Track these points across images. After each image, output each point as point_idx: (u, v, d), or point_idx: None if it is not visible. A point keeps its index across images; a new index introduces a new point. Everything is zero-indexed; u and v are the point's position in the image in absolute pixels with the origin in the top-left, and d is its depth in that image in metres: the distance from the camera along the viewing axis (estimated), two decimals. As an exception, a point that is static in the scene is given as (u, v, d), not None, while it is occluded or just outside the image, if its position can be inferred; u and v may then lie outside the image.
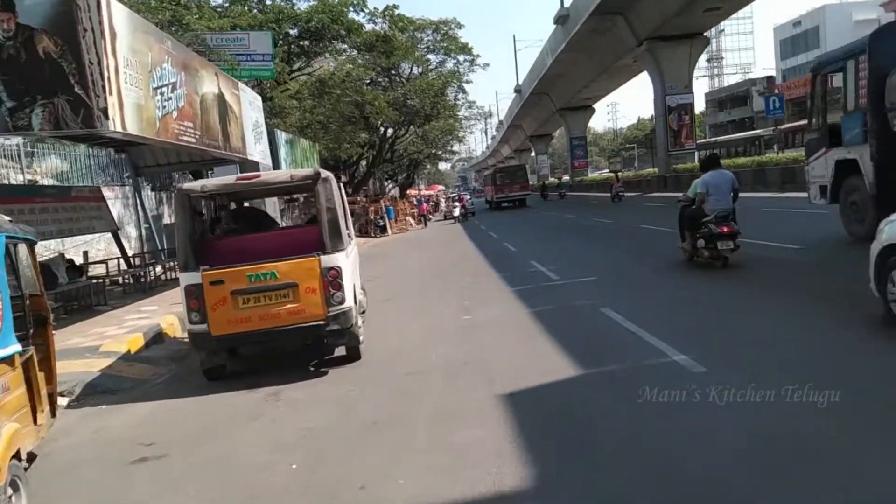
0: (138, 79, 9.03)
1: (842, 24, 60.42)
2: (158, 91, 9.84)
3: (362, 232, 33.24)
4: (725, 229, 9.26)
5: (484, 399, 5.04)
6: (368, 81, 31.49)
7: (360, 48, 22.74)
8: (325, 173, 6.71)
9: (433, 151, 61.10)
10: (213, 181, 6.46)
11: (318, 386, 6.13)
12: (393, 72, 35.76)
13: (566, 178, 69.89)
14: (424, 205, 39.89)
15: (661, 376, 5.00)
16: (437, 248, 21.89)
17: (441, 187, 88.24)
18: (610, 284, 9.96)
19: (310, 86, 26.98)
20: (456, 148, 73.32)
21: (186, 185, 6.46)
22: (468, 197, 48.11)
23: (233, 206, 9.15)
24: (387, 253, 22.64)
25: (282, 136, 21.58)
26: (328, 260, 6.33)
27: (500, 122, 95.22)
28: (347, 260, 6.75)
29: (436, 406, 5.08)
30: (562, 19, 44.27)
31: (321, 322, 6.29)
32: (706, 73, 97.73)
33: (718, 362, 5.24)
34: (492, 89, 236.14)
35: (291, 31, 23.36)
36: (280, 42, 22.79)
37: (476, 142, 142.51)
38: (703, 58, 58.59)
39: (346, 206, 8.89)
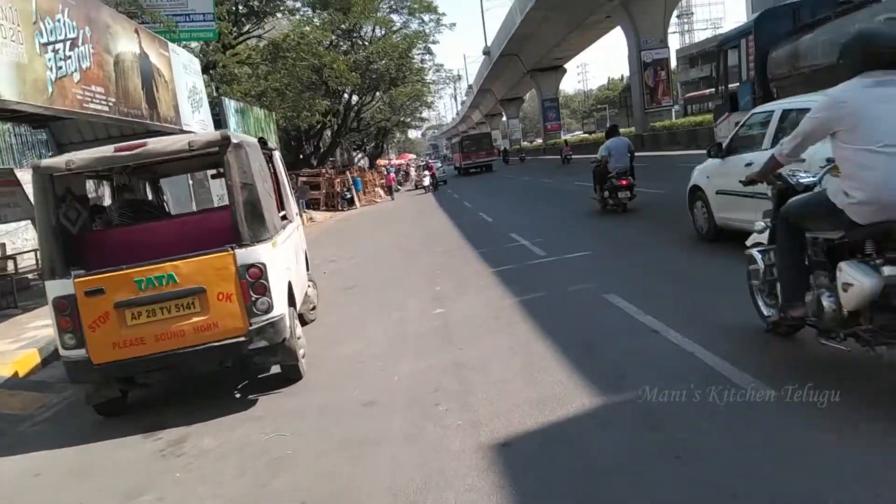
0: (15, 31, 7.20)
1: (814, -27, 59.05)
2: (49, 48, 7.99)
3: (329, 205, 31.45)
4: (623, 182, 12.22)
5: (465, 457, 3.48)
6: (328, 44, 29.37)
7: (314, 5, 20.67)
8: (238, 138, 5.03)
9: (401, 119, 58.98)
10: (82, 154, 4.75)
11: (240, 426, 4.54)
12: (354, 34, 33.61)
13: (539, 140, 68.65)
14: (391, 175, 37.77)
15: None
16: (408, 221, 20.25)
17: (412, 156, 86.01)
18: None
19: (262, 50, 24.88)
20: (425, 115, 71.22)
21: (46, 162, 4.73)
22: (439, 165, 46.16)
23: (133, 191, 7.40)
24: (353, 228, 20.95)
25: (231, 105, 19.62)
26: (247, 255, 4.69)
27: (470, 87, 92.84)
28: (277, 252, 5.13)
29: (396, 472, 3.51)
30: (530, -27, 42.24)
31: (241, 338, 4.69)
32: (676, 30, 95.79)
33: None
34: (460, 53, 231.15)
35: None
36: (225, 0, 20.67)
37: (446, 108, 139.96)
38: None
39: (284, 180, 7.23)
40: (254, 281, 4.67)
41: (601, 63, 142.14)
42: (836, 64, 3.63)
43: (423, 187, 34.01)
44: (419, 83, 43.72)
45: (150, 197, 7.64)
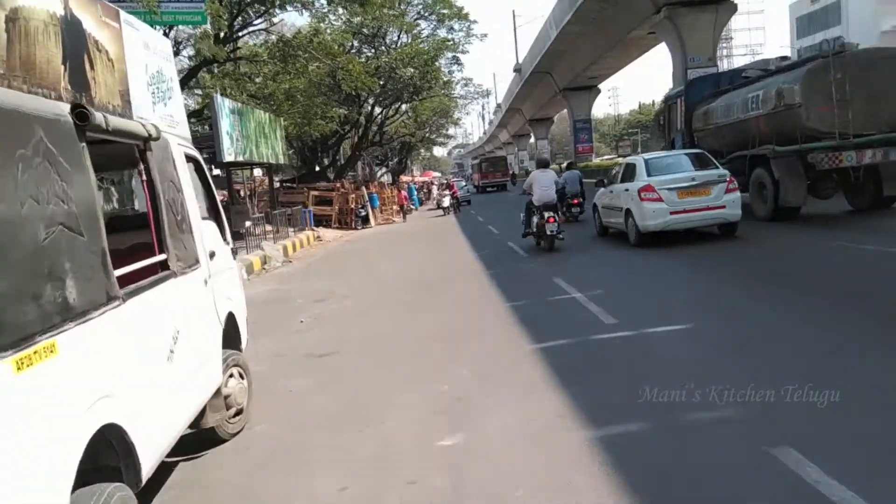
0: None
1: (864, 1, 55.78)
2: None
3: (342, 223, 28.65)
4: (575, 201, 16.58)
5: None
6: (350, 48, 26.75)
7: (329, -2, 18.04)
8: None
9: (426, 135, 56.41)
10: None
11: None
12: (378, 40, 31.02)
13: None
14: (403, 193, 33.86)
15: None
16: (424, 247, 17.30)
17: (436, 174, 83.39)
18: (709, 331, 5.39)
19: (270, 47, 22.26)
20: (451, 132, 68.85)
21: None
22: (464, 184, 43.23)
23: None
24: (360, 253, 18.02)
25: (224, 105, 16.91)
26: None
27: (498, 106, 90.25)
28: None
29: None
30: (569, -16, 39.46)
31: None
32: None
33: None
34: (489, 70, 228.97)
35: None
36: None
37: (473, 126, 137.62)
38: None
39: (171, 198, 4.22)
40: None
41: (632, 85, 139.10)
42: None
43: (444, 208, 30.69)
44: (445, 97, 41.07)
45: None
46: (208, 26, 16.10)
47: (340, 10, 20.04)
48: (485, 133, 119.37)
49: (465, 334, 6.69)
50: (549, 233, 12.03)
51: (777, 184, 12.73)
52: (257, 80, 22.69)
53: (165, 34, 20.58)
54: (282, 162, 22.39)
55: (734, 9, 33.43)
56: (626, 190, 11.88)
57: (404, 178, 58.14)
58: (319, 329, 7.88)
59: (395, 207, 34.80)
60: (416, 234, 21.98)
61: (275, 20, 20.23)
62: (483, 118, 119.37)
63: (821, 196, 13.35)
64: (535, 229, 12.63)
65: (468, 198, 38.53)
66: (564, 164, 16.90)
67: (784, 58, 47.21)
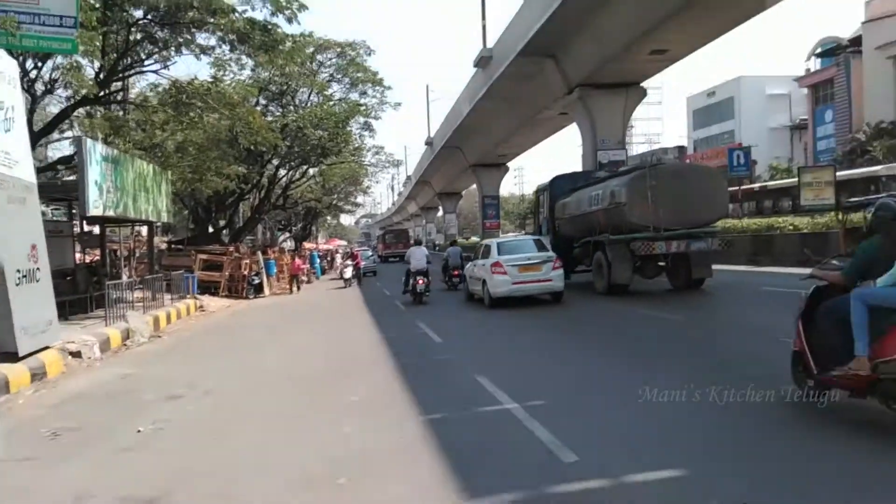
0: None
1: (756, 97, 59.88)
2: None
3: (234, 291, 25.96)
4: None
5: None
6: (256, 104, 24.80)
7: (230, 40, 16.17)
8: None
9: (334, 201, 54.44)
10: None
11: None
12: (286, 98, 29.30)
13: (475, 238, 65.78)
14: (297, 261, 30.60)
15: None
16: (317, 325, 15.20)
17: (342, 242, 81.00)
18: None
19: (162, 93, 20.06)
20: (360, 200, 67.29)
21: None
22: (370, 254, 41.27)
23: None
24: (242, 329, 15.63)
25: (96, 149, 14.49)
26: None
27: (408, 178, 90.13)
28: None
29: None
30: (483, 61, 39.42)
31: None
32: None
33: None
34: (401, 142, 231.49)
35: (135, 13, 16.48)
36: (114, 23, 15.90)
37: (382, 196, 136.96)
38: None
39: None
40: None
41: (537, 168, 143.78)
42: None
43: (346, 279, 28.14)
44: (355, 163, 39.59)
45: None
46: (79, 57, 13.84)
47: (245, 60, 18.15)
48: (393, 204, 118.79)
49: (361, 477, 4.69)
50: (418, 290, 17.14)
51: (610, 265, 15.75)
52: (144, 128, 20.30)
53: (37, 66, 18.13)
54: (164, 220, 19.82)
55: (643, 94, 34.22)
56: (483, 265, 15.36)
57: (308, 244, 55.62)
58: (157, 448, 5.67)
59: (293, 274, 32.32)
60: (314, 308, 19.78)
61: (168, 64, 18.10)
62: (393, 189, 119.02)
63: (647, 276, 16.44)
64: (411, 288, 17.43)
65: (374, 268, 36.60)
66: (449, 242, 20.91)
67: (681, 147, 49.90)
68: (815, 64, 53.49)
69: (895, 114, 38.44)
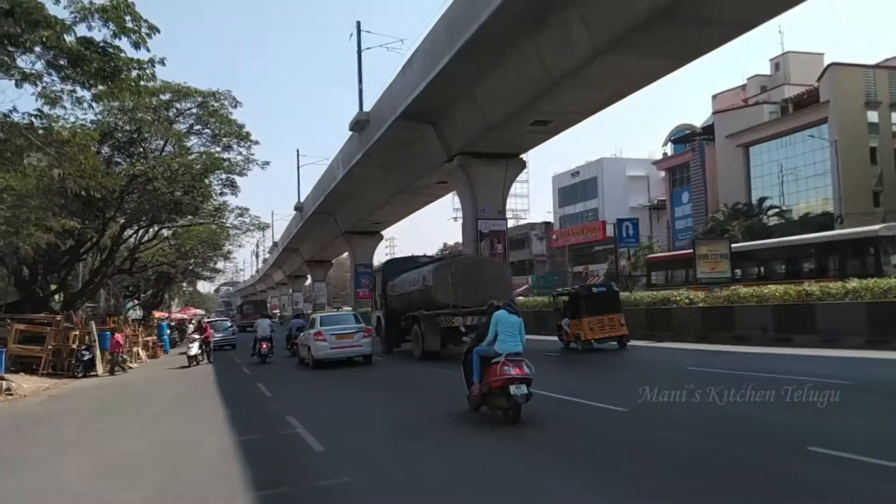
0: None
1: (616, 177, 63.06)
2: None
3: (58, 369, 21.61)
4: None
5: None
6: (98, 152, 21.28)
7: (61, 66, 13.21)
8: None
9: (190, 266, 49.70)
10: None
11: None
12: (136, 147, 25.79)
13: (347, 307, 62.79)
14: (117, 336, 23.94)
15: None
16: (157, 414, 12.05)
17: (199, 311, 74.38)
18: None
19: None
20: (220, 265, 62.32)
21: None
22: (229, 325, 37.21)
23: None
24: (52, 426, 12.06)
25: None
26: None
27: (275, 244, 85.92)
28: None
29: None
30: (359, 125, 37.76)
31: None
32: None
33: None
34: (268, 206, 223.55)
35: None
36: None
37: (246, 263, 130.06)
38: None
39: None
40: None
41: (411, 237, 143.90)
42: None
43: (190, 357, 22.92)
44: (214, 224, 36.02)
45: None
46: None
47: (82, 92, 14.96)
48: (258, 271, 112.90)
49: None
50: (262, 353, 22.20)
51: (423, 335, 19.32)
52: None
53: None
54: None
55: (523, 165, 33.92)
56: (309, 334, 19.31)
57: (159, 314, 50.14)
58: None
59: (137, 350, 27.91)
60: (154, 390, 16.33)
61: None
62: (257, 255, 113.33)
63: (454, 344, 18.99)
64: (257, 351, 22.44)
65: (233, 341, 32.89)
66: (293, 314, 25.27)
67: (548, 223, 50.48)
68: (671, 149, 57.15)
69: (747, 196, 40.95)
